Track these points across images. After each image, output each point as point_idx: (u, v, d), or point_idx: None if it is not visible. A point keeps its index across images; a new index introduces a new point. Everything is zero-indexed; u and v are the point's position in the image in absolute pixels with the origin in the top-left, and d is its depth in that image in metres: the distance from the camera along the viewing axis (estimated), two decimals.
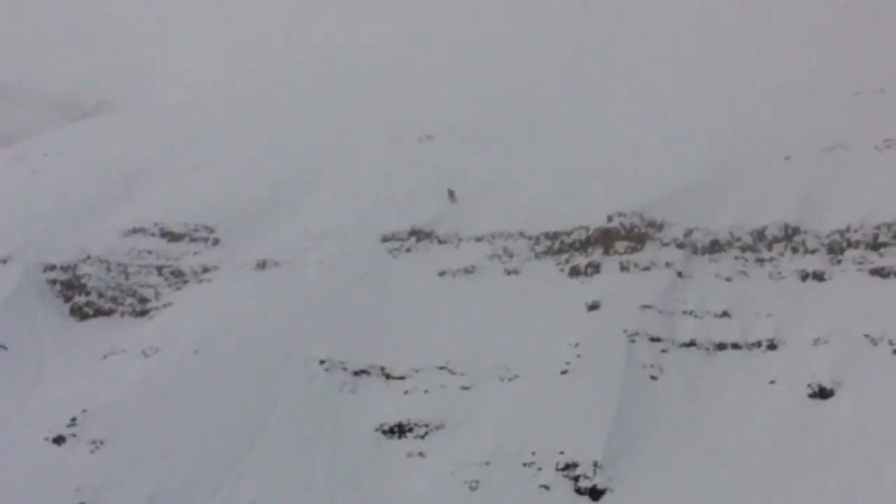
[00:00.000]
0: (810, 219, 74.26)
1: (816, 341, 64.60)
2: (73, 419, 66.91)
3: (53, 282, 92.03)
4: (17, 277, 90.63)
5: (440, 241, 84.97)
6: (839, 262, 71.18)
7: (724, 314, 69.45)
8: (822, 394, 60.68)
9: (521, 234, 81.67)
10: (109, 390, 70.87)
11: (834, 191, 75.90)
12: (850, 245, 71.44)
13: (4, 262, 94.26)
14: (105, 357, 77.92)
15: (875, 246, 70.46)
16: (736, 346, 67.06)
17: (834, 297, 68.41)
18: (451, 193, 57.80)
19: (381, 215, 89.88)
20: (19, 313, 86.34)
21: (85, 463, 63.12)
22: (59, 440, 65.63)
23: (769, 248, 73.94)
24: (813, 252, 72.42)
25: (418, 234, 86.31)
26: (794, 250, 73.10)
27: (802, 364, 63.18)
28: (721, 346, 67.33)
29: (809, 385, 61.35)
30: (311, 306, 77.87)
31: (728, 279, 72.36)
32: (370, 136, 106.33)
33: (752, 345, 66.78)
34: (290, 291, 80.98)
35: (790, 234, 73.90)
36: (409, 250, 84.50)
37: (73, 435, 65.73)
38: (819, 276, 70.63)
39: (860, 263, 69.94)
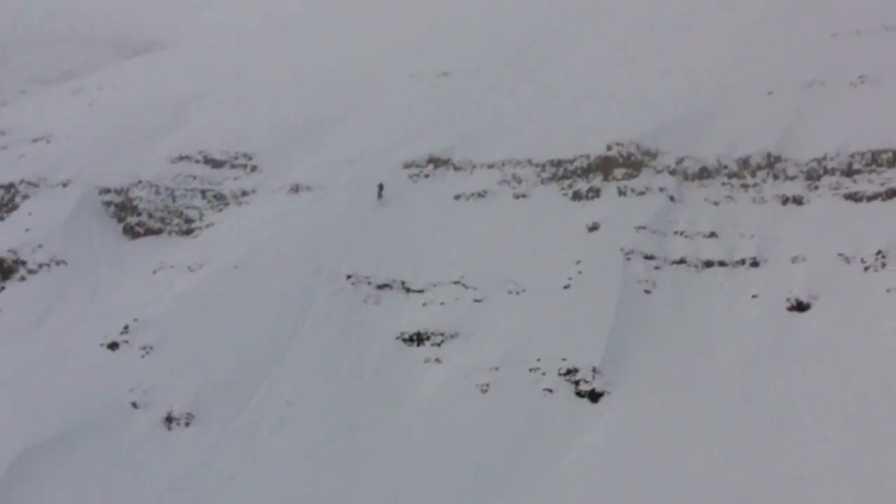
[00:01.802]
0: (790, 148, 74.38)
1: (795, 259, 64.67)
2: (126, 327, 66.85)
3: (108, 204, 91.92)
4: (76, 200, 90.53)
5: (455, 168, 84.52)
6: (816, 187, 71.16)
7: (712, 234, 69.33)
8: (800, 307, 60.59)
9: (529, 162, 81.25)
10: (158, 301, 70.92)
11: (812, 123, 75.90)
12: (826, 172, 71.53)
13: (64, 185, 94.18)
14: (154, 272, 77.88)
15: (849, 173, 70.49)
16: (722, 263, 66.94)
17: (811, 219, 68.50)
18: (380, 189, 57.84)
19: (403, 144, 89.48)
20: (78, 232, 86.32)
21: (136, 366, 63.18)
22: (113, 346, 65.56)
23: (753, 174, 73.88)
24: (792, 178, 72.41)
25: (436, 162, 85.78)
26: (776, 177, 73.05)
27: (782, 280, 63.16)
28: (708, 264, 67.19)
29: (788, 299, 61.26)
30: (339, 226, 77.55)
31: (715, 203, 72.38)
32: (393, 73, 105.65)
33: (737, 262, 66.70)
34: (321, 213, 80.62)
35: (772, 162, 73.95)
36: (427, 176, 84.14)
37: (126, 341, 65.70)
38: (798, 201, 70.63)
39: (835, 189, 70.00)
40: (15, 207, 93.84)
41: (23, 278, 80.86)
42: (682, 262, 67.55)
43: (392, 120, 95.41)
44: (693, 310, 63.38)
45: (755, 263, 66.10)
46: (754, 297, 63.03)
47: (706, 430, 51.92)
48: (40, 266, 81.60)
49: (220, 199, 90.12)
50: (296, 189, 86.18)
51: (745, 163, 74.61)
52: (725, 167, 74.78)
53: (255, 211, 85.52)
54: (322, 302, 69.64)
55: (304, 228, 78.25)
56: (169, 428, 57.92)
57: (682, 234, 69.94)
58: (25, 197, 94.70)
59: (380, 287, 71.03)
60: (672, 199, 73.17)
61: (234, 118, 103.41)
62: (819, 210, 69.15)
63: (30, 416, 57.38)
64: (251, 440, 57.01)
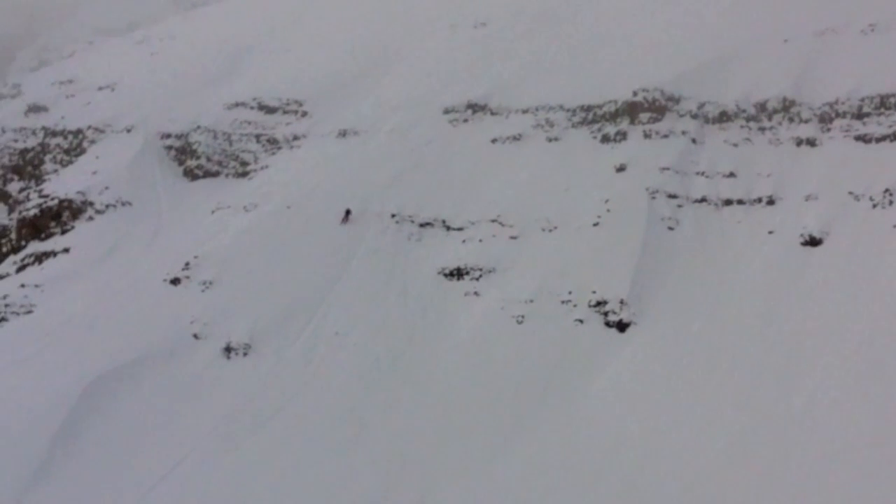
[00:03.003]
0: (804, 93, 74.33)
1: (808, 198, 64.46)
2: (187, 264, 67.05)
3: (169, 148, 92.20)
4: (139, 144, 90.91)
5: (492, 113, 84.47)
6: (828, 130, 71.24)
7: (731, 174, 69.25)
8: (813, 242, 60.37)
9: (561, 107, 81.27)
10: (217, 239, 71.00)
11: (824, 69, 75.79)
12: (838, 115, 71.54)
13: (128, 131, 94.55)
14: (213, 212, 77.92)
15: (860, 116, 70.46)
16: (740, 201, 66.87)
17: (823, 160, 68.43)
18: (346, 213, 57.93)
19: (443, 91, 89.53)
20: (141, 175, 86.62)
21: (197, 300, 63.40)
22: (175, 281, 65.78)
23: (769, 118, 73.94)
24: (806, 121, 72.46)
25: (474, 107, 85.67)
26: (791, 120, 73.07)
27: (796, 217, 63.03)
28: (728, 202, 67.11)
29: (802, 234, 61.06)
30: (383, 168, 77.57)
31: (734, 145, 72.41)
32: (434, 24, 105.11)
33: (754, 201, 66.58)
34: (366, 156, 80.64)
35: (787, 106, 73.88)
36: (466, 121, 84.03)
37: (187, 277, 65.91)
38: (811, 142, 70.53)
39: (846, 131, 69.95)
40: (83, 152, 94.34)
41: (91, 218, 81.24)
42: (703, 200, 67.42)
43: (433, 68, 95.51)
44: (713, 245, 63.17)
45: (771, 201, 65.92)
46: (770, 233, 62.75)
47: (726, 358, 51.80)
48: (107, 207, 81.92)
49: (273, 144, 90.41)
50: (343, 134, 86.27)
51: (761, 107, 74.55)
52: (744, 111, 74.71)
53: (305, 154, 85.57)
54: (368, 239, 69.62)
55: (351, 171, 78.32)
56: (228, 357, 58.10)
57: (703, 174, 69.85)
58: (92, 142, 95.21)
59: (422, 225, 71.03)
60: (694, 141, 73.14)
61: (285, 67, 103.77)
62: (831, 151, 69.02)
63: (99, 347, 57.64)
64: (304, 368, 57.13)
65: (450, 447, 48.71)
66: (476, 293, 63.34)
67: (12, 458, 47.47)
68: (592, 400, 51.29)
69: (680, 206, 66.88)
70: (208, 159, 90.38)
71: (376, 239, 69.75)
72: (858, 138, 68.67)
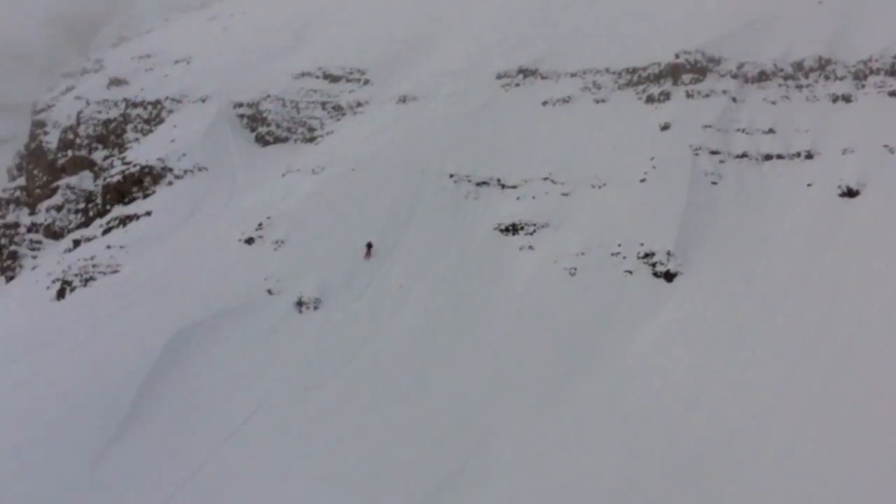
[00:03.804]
0: (839, 51, 73.48)
1: (845, 151, 63.64)
2: (260, 224, 67.08)
3: (241, 116, 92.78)
4: (214, 113, 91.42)
5: (543, 77, 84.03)
6: (863, 86, 70.41)
7: (770, 131, 68.60)
8: (850, 193, 59.48)
9: (607, 70, 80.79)
10: (287, 201, 70.96)
11: (859, 28, 74.95)
12: (872, 72, 70.64)
13: (203, 101, 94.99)
14: (283, 175, 78.03)
15: (893, 72, 69.69)
16: (780, 156, 66.21)
17: (859, 115, 67.58)
18: (368, 247, 57.21)
19: (496, 57, 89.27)
20: (216, 141, 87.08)
21: (270, 258, 63.50)
22: (249, 241, 65.84)
23: (806, 76, 73.14)
24: (842, 79, 71.65)
25: (525, 72, 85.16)
26: (827, 77, 72.25)
27: (833, 170, 62.16)
28: (768, 157, 66.44)
29: (839, 186, 60.22)
30: (441, 131, 77.23)
31: (773, 102, 71.73)
32: None
33: (793, 155, 65.82)
34: (425, 120, 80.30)
35: (823, 65, 73.10)
36: (517, 85, 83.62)
37: (260, 236, 65.97)
38: (847, 99, 69.73)
39: (880, 87, 69.05)
40: (161, 121, 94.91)
41: (170, 183, 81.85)
42: (744, 156, 66.68)
43: (486, 36, 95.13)
44: (754, 198, 62.46)
45: (809, 156, 65.09)
46: (809, 185, 61.88)
47: (766, 305, 51.06)
48: (185, 172, 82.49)
49: (338, 110, 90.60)
50: (403, 99, 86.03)
51: (798, 66, 73.65)
52: (781, 70, 73.86)
53: (368, 120, 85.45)
54: (428, 198, 69.36)
55: (411, 134, 77.91)
56: (300, 311, 58.15)
57: (743, 131, 69.14)
58: (170, 112, 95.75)
59: (478, 184, 70.65)
60: (734, 100, 72.46)
61: (348, 38, 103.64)
62: (866, 106, 68.07)
63: (180, 304, 57.97)
64: (371, 320, 57.06)
65: (505, 395, 48.46)
66: (530, 247, 62.95)
67: (102, 408, 47.81)
68: (642, 346, 50.78)
69: (722, 161, 66.15)
70: (278, 126, 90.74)
71: (435, 198, 69.47)
72: (892, 94, 67.76)
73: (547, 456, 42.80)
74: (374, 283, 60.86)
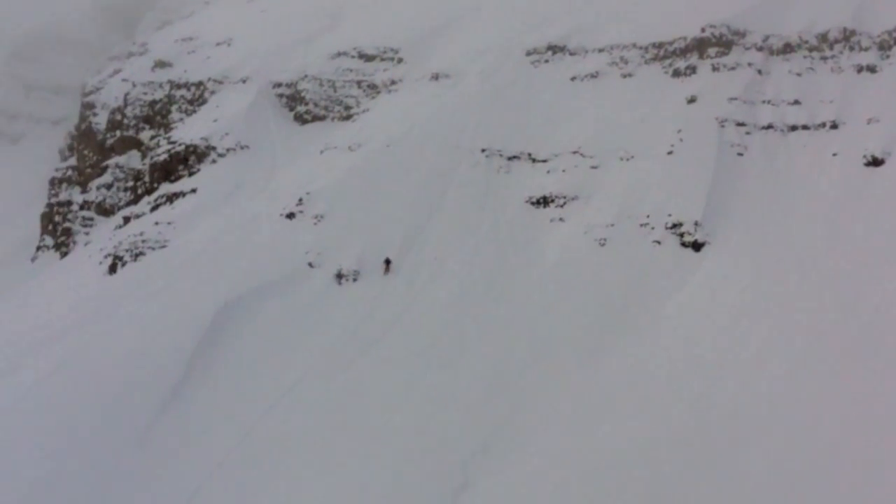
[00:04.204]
0: (864, 22, 72.90)
1: (870, 121, 62.98)
2: (300, 200, 67.20)
3: (280, 96, 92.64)
4: (254, 93, 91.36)
5: (571, 54, 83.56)
6: (887, 56, 69.85)
7: (796, 102, 67.98)
8: (875, 162, 58.87)
9: (634, 45, 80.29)
10: (325, 177, 71.03)
11: None
12: None
13: (244, 81, 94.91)
14: (321, 152, 78.07)
15: None
16: (805, 127, 65.55)
17: (884, 85, 67.02)
18: (387, 263, 56.47)
19: (525, 34, 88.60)
20: (257, 121, 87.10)
21: (310, 232, 63.69)
22: (290, 216, 65.96)
23: (830, 47, 72.55)
24: (866, 49, 71.02)
25: (554, 49, 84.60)
26: (851, 48, 71.68)
27: (858, 139, 61.49)
28: (793, 128, 65.78)
29: (864, 156, 59.62)
30: (473, 108, 76.90)
31: (798, 74, 71.03)
32: None
33: (818, 126, 65.21)
34: (458, 97, 79.88)
35: (848, 36, 72.49)
36: (546, 61, 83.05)
37: (301, 211, 66.07)
38: (871, 69, 69.17)
39: None
40: (204, 102, 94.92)
41: (214, 161, 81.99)
42: (769, 127, 65.98)
43: (515, 14, 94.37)
44: (781, 168, 61.93)
45: (834, 126, 64.45)
46: (834, 155, 61.24)
47: (793, 273, 50.49)
48: (227, 150, 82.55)
49: (373, 89, 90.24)
50: (436, 77, 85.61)
51: (823, 37, 73.00)
52: (806, 42, 73.17)
53: (402, 98, 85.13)
54: (461, 173, 69.15)
55: (444, 111, 77.56)
56: (339, 283, 58.34)
57: (769, 102, 68.50)
58: (213, 93, 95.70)
59: (510, 158, 70.27)
60: (760, 72, 71.77)
61: (381, 18, 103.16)
62: (891, 76, 67.44)
63: (226, 277, 58.32)
64: (408, 291, 57.11)
65: (539, 361, 48.45)
66: (561, 219, 62.69)
67: (154, 377, 48.57)
68: (671, 314, 50.45)
69: (748, 133, 65.52)
70: (315, 105, 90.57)
71: (468, 172, 69.23)
72: None
73: (580, 419, 42.76)
74: (410, 254, 60.89)
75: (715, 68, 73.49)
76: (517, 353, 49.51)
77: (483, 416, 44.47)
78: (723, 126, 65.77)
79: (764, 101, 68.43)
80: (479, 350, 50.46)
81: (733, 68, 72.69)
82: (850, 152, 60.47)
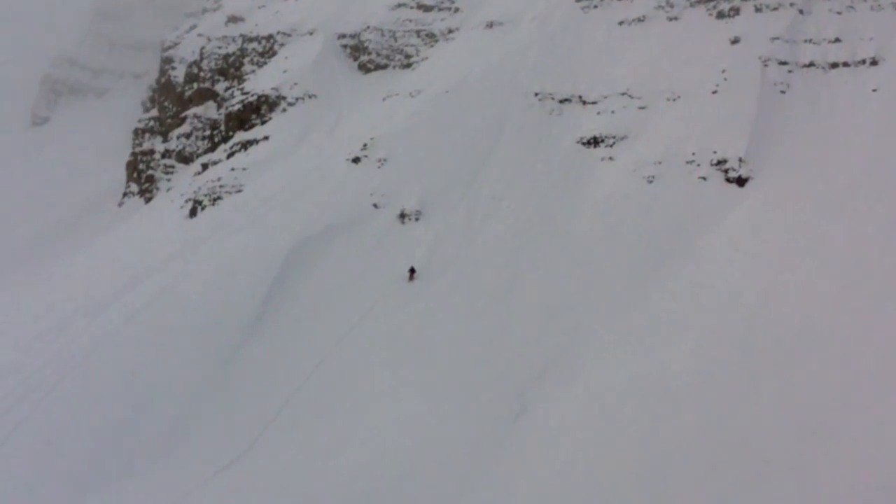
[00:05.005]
0: None
1: None
2: (365, 145, 66.88)
3: (345, 46, 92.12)
4: (321, 45, 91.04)
5: None
6: None
7: (836, 40, 65.86)
8: None
9: None
10: (388, 123, 70.76)
11: None
12: None
13: (310, 34, 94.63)
14: (384, 99, 77.87)
15: None
16: (846, 64, 63.59)
17: None
18: (411, 272, 54.28)
19: None
20: (323, 71, 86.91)
21: (374, 175, 63.54)
22: (356, 160, 65.67)
23: None
24: None
25: None
26: None
27: None
28: (834, 65, 63.83)
29: None
30: (526, 54, 75.57)
31: (838, 13, 68.77)
32: None
33: (858, 62, 63.32)
34: (511, 43, 78.53)
35: None
36: (595, 7, 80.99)
37: (366, 156, 65.80)
38: None
39: None
40: (274, 54, 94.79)
41: (284, 110, 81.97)
42: (811, 65, 64.14)
43: None
44: (822, 105, 60.16)
45: (874, 62, 62.57)
46: (874, 90, 59.51)
47: (836, 206, 49.12)
48: (296, 99, 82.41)
49: (432, 38, 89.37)
50: (490, 25, 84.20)
51: None
52: None
53: (459, 45, 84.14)
54: (516, 116, 68.02)
55: (498, 57, 76.25)
56: (403, 223, 58.24)
57: (810, 41, 66.54)
58: (282, 45, 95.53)
59: (561, 101, 68.96)
60: (801, 12, 69.67)
61: None
62: None
63: (297, 218, 58.90)
64: (467, 229, 56.84)
65: (592, 293, 47.99)
66: (611, 158, 61.60)
67: (233, 312, 49.67)
68: (717, 246, 49.45)
69: (790, 71, 63.65)
70: (377, 54, 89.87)
71: (522, 115, 68.08)
72: None
73: (632, 348, 42.16)
74: (468, 194, 60.42)
75: (757, 9, 71.28)
76: (570, 286, 49.08)
77: (539, 346, 44.26)
78: (766, 65, 63.99)
79: (805, 40, 66.41)
80: (536, 283, 50.25)
81: (775, 9, 70.49)
82: (890, 88, 58.71)
